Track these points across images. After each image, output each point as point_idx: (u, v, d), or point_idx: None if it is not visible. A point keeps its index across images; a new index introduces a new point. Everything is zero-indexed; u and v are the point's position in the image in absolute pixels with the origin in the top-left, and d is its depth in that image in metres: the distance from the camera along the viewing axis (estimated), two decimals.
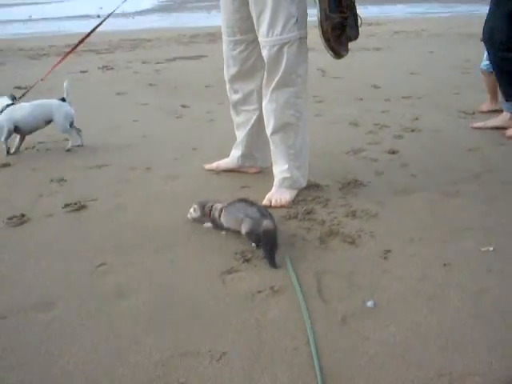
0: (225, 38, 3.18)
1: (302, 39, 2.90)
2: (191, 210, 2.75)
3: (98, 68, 8.27)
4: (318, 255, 2.43)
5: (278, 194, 3.01)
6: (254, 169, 3.45)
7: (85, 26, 18.67)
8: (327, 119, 4.71)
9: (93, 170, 3.65)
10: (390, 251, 2.42)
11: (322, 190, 3.12)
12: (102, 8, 28.33)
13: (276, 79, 2.92)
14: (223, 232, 2.66)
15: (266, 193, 3.03)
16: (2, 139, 4.02)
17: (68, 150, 4.13)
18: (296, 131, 3.00)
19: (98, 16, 22.84)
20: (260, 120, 3.19)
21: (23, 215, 2.99)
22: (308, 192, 3.10)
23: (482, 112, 4.79)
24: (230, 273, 2.32)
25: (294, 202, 2.98)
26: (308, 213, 2.84)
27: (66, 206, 3.08)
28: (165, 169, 3.63)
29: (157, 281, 2.29)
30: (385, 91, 5.73)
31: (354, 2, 2.93)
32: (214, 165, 3.51)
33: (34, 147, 4.31)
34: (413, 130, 4.25)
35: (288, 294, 2.14)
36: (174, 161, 3.78)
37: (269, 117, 3.02)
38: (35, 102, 4.12)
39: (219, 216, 2.64)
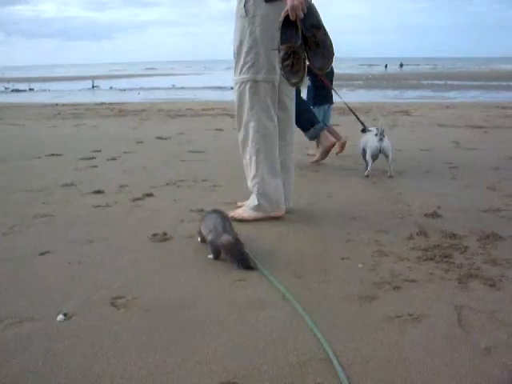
0: None
1: (259, 82, 3.32)
2: None
3: (234, 128, 8.65)
4: (457, 292, 2.37)
5: (240, 210, 3.52)
6: None
7: (218, 96, 19.96)
8: (462, 182, 4.63)
9: (229, 206, 3.80)
10: None
11: (459, 239, 3.07)
12: None
13: (236, 114, 3.47)
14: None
15: None
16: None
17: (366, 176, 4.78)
18: (257, 162, 3.40)
19: (231, 88, 24.10)
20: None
21: (165, 234, 3.19)
22: (444, 239, 3.06)
23: (309, 155, 5.80)
24: (368, 299, 2.33)
25: (431, 246, 2.95)
26: (445, 256, 2.79)
27: None
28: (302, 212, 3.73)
29: (294, 296, 2.34)
30: None
31: (326, 35, 3.12)
32: None
33: (174, 183, 4.59)
34: None
35: (426, 322, 2.10)
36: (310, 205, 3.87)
37: None
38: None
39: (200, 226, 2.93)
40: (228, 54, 3.96)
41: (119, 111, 12.45)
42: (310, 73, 5.37)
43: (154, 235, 3.17)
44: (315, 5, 3.13)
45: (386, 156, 4.77)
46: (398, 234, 3.19)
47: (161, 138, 7.48)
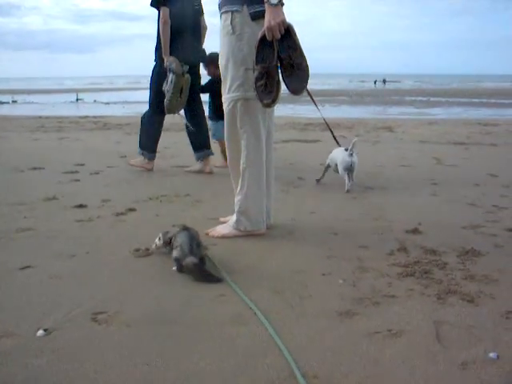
0: None
1: (249, 100, 3.31)
2: (156, 239, 3.08)
3: (214, 142, 8.66)
4: (436, 308, 2.40)
5: (220, 228, 3.55)
6: None
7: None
8: (443, 198, 4.69)
9: (210, 221, 3.80)
10: None
11: (439, 255, 3.10)
12: None
13: (226, 132, 3.49)
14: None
15: None
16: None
17: (347, 191, 4.89)
18: (243, 180, 3.43)
19: None
20: None
21: (147, 249, 3.19)
22: (424, 256, 3.10)
23: (217, 167, 6.16)
24: (349, 314, 2.35)
25: (411, 262, 2.98)
26: (425, 272, 2.82)
27: None
28: (284, 228, 3.75)
29: (270, 313, 2.36)
30: (502, 179, 5.61)
31: (302, 56, 3.15)
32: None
33: (157, 198, 4.60)
34: None
35: (405, 338, 2.13)
36: (292, 221, 3.90)
37: None
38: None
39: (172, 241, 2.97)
40: None
41: (103, 125, 12.44)
42: (211, 88, 6.06)
43: (136, 250, 3.17)
44: (294, 26, 3.12)
45: (352, 170, 4.95)
46: (378, 250, 3.22)
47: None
